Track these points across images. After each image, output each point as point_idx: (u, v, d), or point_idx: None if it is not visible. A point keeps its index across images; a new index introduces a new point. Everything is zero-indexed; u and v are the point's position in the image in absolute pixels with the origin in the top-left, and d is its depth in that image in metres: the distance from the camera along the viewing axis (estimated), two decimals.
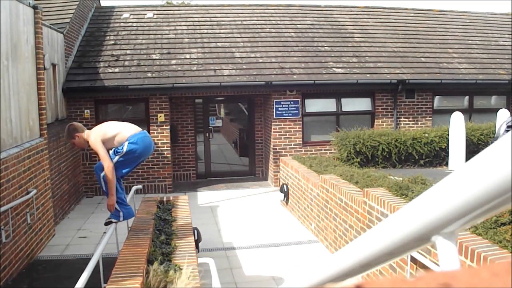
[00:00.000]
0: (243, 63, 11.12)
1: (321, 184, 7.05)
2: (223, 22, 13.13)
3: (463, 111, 10.27)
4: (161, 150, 10.40)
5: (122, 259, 3.88)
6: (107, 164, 4.53)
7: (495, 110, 10.12)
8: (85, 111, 10.21)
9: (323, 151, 10.75)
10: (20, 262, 5.93)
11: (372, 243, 0.95)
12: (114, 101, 10.74)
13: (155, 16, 13.43)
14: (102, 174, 4.63)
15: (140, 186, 8.30)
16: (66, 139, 4.98)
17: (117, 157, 4.62)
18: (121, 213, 4.83)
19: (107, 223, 4.96)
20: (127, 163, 4.70)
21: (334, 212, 6.53)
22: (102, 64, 10.80)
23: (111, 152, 4.67)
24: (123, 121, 5.17)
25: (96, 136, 4.65)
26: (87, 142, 4.75)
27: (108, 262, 4.46)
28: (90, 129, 4.88)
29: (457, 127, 9.26)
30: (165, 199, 6.31)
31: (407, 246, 0.85)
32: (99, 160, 4.66)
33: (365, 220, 5.47)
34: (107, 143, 4.70)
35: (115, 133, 4.68)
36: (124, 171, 4.74)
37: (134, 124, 5.03)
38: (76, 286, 3.37)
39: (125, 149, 4.60)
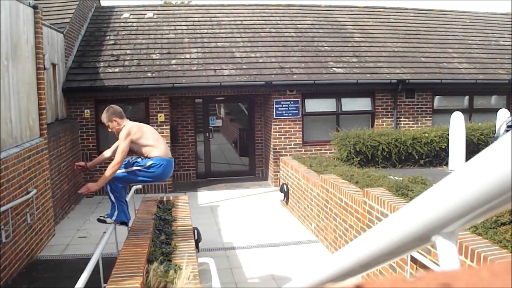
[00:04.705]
0: (243, 63, 11.12)
1: (321, 184, 7.05)
2: (223, 22, 13.13)
3: (463, 111, 10.26)
4: None
5: (122, 259, 3.88)
6: (117, 160, 4.43)
7: (495, 110, 10.12)
8: (85, 111, 10.20)
9: (323, 151, 10.75)
10: (20, 262, 5.92)
11: (372, 243, 0.95)
12: (114, 101, 10.69)
13: (155, 16, 13.43)
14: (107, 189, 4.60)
15: (140, 186, 8.28)
16: (103, 119, 4.75)
17: (134, 168, 4.56)
18: (115, 214, 4.73)
19: (99, 220, 4.89)
20: (138, 175, 4.62)
21: (334, 212, 6.53)
22: (102, 64, 10.80)
23: (129, 158, 4.60)
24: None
25: (132, 133, 4.53)
26: (119, 130, 4.61)
27: (108, 262, 4.45)
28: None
29: (457, 127, 9.25)
30: (165, 199, 6.31)
31: (407, 246, 0.85)
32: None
33: (365, 220, 5.47)
34: (134, 145, 4.63)
35: (149, 144, 4.59)
36: (130, 178, 4.65)
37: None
38: (76, 286, 3.37)
39: (147, 164, 4.54)
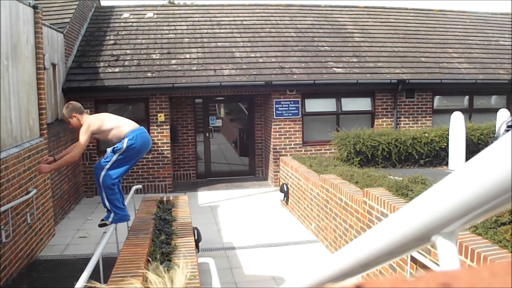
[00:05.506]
0: (243, 63, 11.13)
1: (321, 184, 7.05)
2: (223, 22, 13.13)
3: (463, 111, 10.26)
4: (161, 150, 10.40)
5: (122, 259, 3.88)
6: (77, 152, 4.61)
7: (495, 110, 10.12)
8: (85, 111, 10.18)
9: (323, 151, 10.75)
10: (20, 262, 5.93)
11: (372, 243, 0.95)
12: (114, 101, 10.74)
13: (155, 16, 13.43)
14: (102, 174, 4.62)
15: (140, 186, 8.30)
16: (63, 116, 4.88)
17: (116, 155, 4.61)
18: (111, 215, 4.81)
19: (100, 225, 4.98)
20: (126, 160, 4.69)
21: (334, 212, 6.53)
22: (102, 64, 10.80)
23: (109, 150, 4.65)
24: None
25: (91, 125, 4.64)
26: (79, 126, 4.73)
27: (108, 262, 4.46)
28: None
29: (457, 127, 9.25)
30: (165, 199, 6.30)
31: (407, 246, 0.85)
32: (100, 158, 4.66)
33: (365, 220, 5.47)
34: (101, 134, 4.71)
35: (113, 126, 4.68)
36: (122, 169, 4.71)
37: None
38: (76, 286, 3.37)
39: (124, 146, 4.59)
